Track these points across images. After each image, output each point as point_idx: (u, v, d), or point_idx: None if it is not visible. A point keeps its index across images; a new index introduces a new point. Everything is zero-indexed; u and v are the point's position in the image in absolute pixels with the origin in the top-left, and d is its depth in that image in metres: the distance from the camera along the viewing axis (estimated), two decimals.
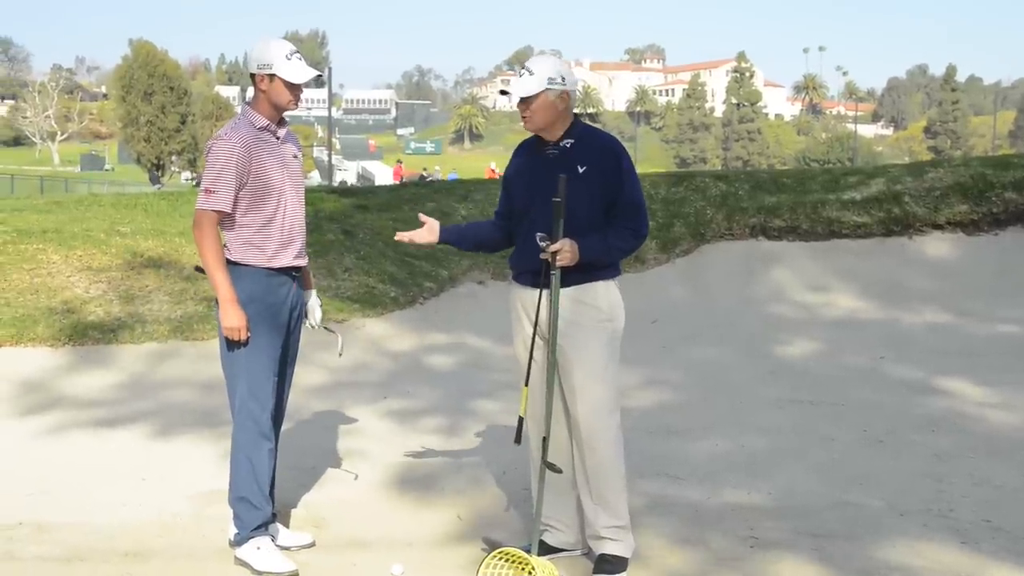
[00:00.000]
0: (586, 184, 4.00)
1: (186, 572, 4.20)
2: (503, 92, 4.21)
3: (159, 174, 72.15)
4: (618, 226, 4.06)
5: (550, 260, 3.90)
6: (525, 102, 4.04)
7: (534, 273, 4.03)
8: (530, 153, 4.22)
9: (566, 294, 4.00)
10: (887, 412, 6.58)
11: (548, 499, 4.11)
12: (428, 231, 4.32)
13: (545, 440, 3.98)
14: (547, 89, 4.00)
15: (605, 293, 4.10)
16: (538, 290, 4.01)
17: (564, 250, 3.89)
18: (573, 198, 3.90)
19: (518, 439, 4.04)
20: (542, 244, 3.91)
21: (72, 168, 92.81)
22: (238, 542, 4.23)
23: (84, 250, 9.12)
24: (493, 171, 42.24)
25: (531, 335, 4.05)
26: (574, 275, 3.99)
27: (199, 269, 4.60)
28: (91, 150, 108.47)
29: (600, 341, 4.06)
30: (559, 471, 3.96)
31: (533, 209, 4.07)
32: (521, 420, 4.05)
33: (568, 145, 4.09)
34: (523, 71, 4.08)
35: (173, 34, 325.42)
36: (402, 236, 4.34)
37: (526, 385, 4.06)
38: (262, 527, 4.24)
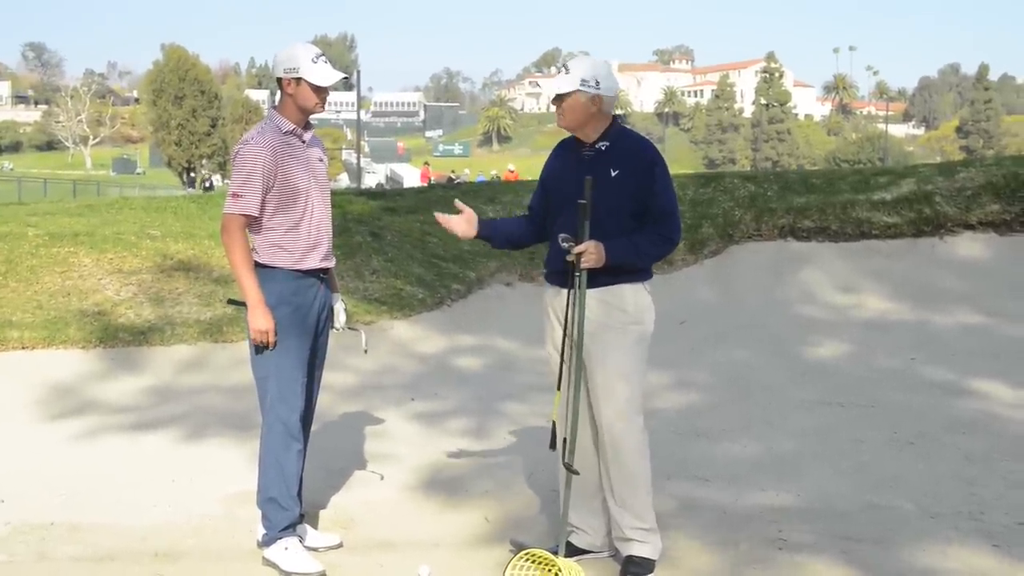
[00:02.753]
0: (618, 187, 4.00)
1: (215, 572, 4.24)
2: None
3: (194, 177, 72.77)
4: (649, 231, 4.05)
5: (575, 261, 3.90)
6: (558, 99, 4.07)
7: (562, 274, 4.04)
8: (568, 153, 4.23)
9: (593, 295, 3.99)
10: (918, 414, 6.52)
11: (575, 501, 4.10)
12: (467, 222, 4.23)
13: (566, 441, 3.97)
14: (578, 90, 4.01)
15: (632, 296, 4.09)
16: (566, 291, 4.01)
17: (589, 252, 3.88)
18: (604, 201, 3.90)
19: (552, 445, 4.05)
20: (564, 245, 3.91)
21: (104, 172, 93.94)
22: (266, 543, 4.26)
23: (115, 253, 9.20)
24: (511, 172, 41.83)
25: (560, 336, 4.06)
26: (602, 277, 3.98)
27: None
28: (123, 154, 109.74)
29: (626, 343, 4.06)
30: (576, 473, 3.95)
31: (564, 209, 4.07)
32: (555, 425, 4.05)
33: (603, 148, 4.09)
34: (563, 68, 4.10)
35: (203, 38, 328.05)
36: (442, 219, 4.22)
37: (559, 389, 4.06)
38: (290, 528, 4.27)
